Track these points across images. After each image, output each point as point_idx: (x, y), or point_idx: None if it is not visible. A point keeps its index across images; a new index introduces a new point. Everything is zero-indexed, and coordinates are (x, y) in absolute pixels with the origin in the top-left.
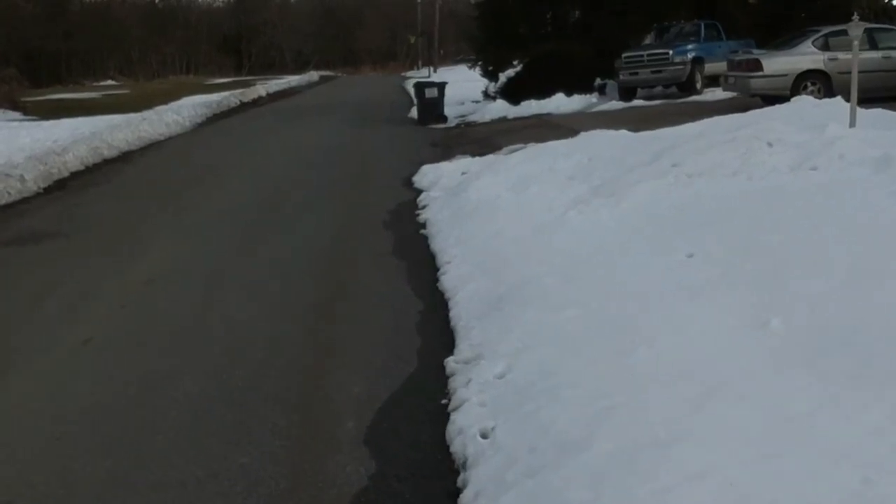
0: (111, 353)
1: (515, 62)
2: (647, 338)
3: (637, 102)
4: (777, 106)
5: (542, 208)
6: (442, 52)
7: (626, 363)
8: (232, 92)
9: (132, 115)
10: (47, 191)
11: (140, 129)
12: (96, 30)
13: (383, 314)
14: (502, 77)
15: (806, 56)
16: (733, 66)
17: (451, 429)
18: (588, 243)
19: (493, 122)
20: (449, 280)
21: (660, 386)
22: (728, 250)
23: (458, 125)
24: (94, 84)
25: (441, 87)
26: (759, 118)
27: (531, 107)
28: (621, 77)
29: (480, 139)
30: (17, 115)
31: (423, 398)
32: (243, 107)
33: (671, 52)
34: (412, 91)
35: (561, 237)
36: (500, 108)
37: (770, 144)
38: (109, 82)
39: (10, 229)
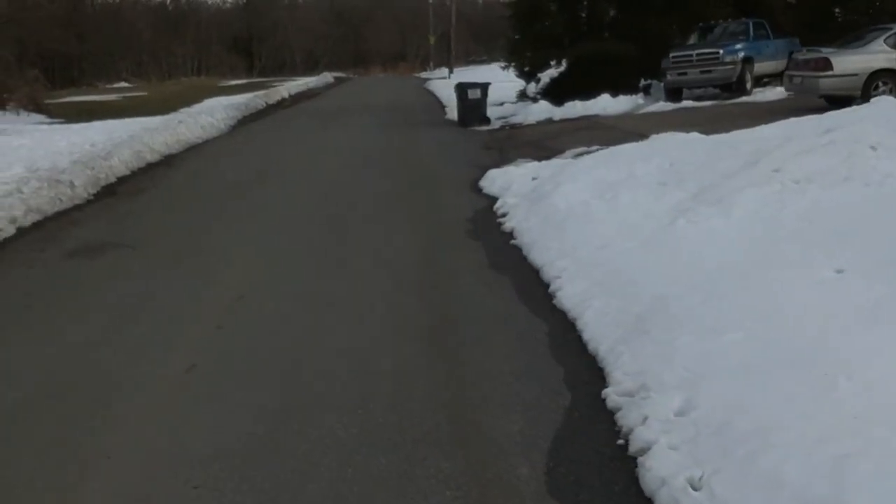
0: (222, 384)
1: (553, 62)
2: (840, 368)
3: (687, 103)
4: (858, 107)
5: (641, 217)
6: (452, 52)
7: (831, 399)
8: (255, 93)
9: (166, 118)
10: (97, 197)
11: (178, 132)
12: (108, 31)
13: (508, 337)
14: (544, 77)
15: (878, 55)
16: (798, 65)
17: (649, 477)
18: (713, 256)
19: (540, 124)
20: (567, 298)
21: (888, 428)
22: (879, 264)
23: (502, 127)
24: (108, 86)
25: (484, 87)
26: (842, 120)
27: (576, 108)
28: (668, 77)
29: (534, 142)
30: (41, 117)
31: (594, 437)
32: (270, 109)
33: (721, 51)
34: (438, 92)
35: (678, 249)
36: (544, 110)
37: (873, 148)
38: (122, 84)
39: (71, 239)
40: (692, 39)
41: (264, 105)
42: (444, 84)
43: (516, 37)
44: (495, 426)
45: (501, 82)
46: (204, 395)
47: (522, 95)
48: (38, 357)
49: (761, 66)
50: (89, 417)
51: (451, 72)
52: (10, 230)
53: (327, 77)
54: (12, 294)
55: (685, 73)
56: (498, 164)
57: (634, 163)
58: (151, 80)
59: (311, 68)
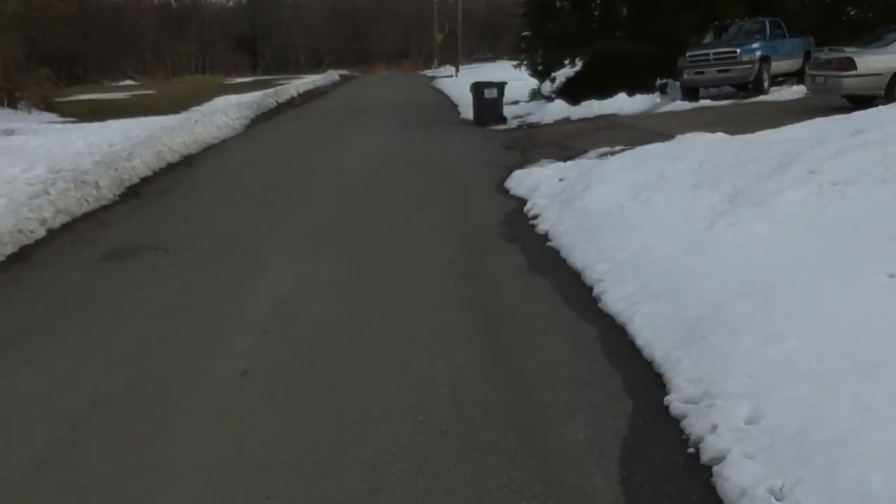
0: (278, 390)
1: (566, 61)
2: None
3: (704, 102)
4: (883, 107)
5: (679, 219)
6: (457, 50)
7: None
8: (264, 92)
9: (180, 117)
10: (123, 198)
11: (195, 131)
12: (113, 30)
13: (559, 342)
14: (560, 76)
15: None
16: (820, 64)
17: (728, 487)
18: (760, 260)
19: (558, 123)
20: (613, 302)
21: None
22: None
23: (519, 126)
24: (113, 84)
25: (501, 87)
26: (871, 121)
27: (592, 107)
28: (685, 76)
29: (555, 142)
30: (52, 116)
31: (663, 445)
32: (281, 107)
33: (739, 50)
34: (447, 91)
35: (723, 253)
36: (561, 109)
37: None
38: (128, 82)
39: (102, 241)
40: (708, 38)
41: (275, 104)
42: (451, 83)
43: (528, 35)
44: (560, 434)
45: (511, 81)
46: (261, 401)
47: (535, 94)
48: (88, 363)
49: (778, 65)
50: (150, 425)
51: (457, 70)
52: (41, 232)
53: (333, 75)
54: (51, 297)
55: (702, 73)
56: (521, 165)
57: (663, 164)
58: (156, 78)
59: (314, 66)
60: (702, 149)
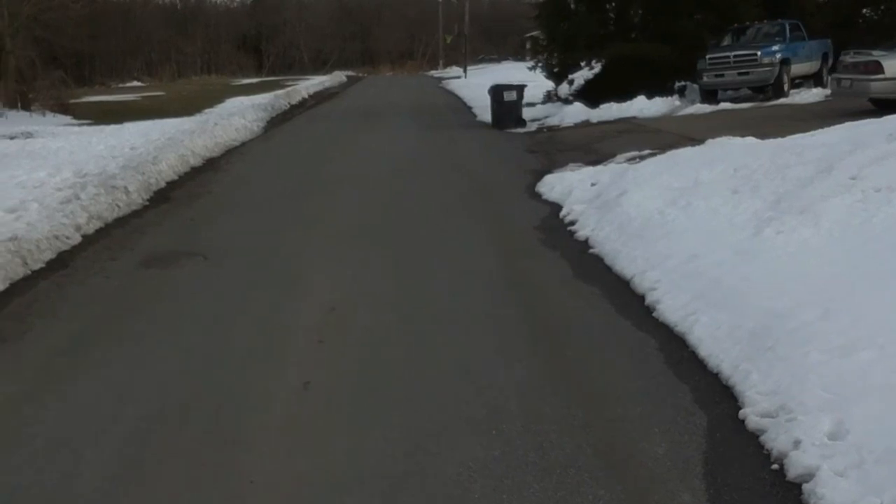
0: (343, 402)
1: (583, 63)
2: None
3: (724, 105)
4: None
5: (722, 226)
6: (464, 50)
7: None
8: (275, 93)
9: (197, 119)
10: (153, 203)
11: (215, 134)
12: (120, 31)
13: (620, 353)
14: (578, 79)
15: None
16: (847, 67)
17: None
18: (815, 268)
19: (578, 126)
20: (669, 311)
21: None
22: None
23: (539, 129)
24: (120, 85)
25: (520, 89)
26: None
27: (612, 110)
28: (705, 79)
29: (580, 145)
30: (66, 118)
31: (745, 461)
32: (294, 109)
33: (759, 52)
34: (458, 92)
35: (776, 261)
36: (580, 112)
37: None
38: (135, 83)
39: (139, 247)
40: (726, 41)
41: (288, 105)
42: (461, 84)
43: (543, 37)
44: (639, 449)
45: (524, 82)
46: (329, 413)
47: (550, 96)
48: (147, 375)
49: (797, 68)
50: (221, 439)
51: (465, 71)
52: (76, 238)
53: (340, 76)
54: (98, 306)
55: (722, 75)
56: (548, 169)
57: (697, 169)
58: (162, 79)
59: (319, 67)
60: (735, 153)
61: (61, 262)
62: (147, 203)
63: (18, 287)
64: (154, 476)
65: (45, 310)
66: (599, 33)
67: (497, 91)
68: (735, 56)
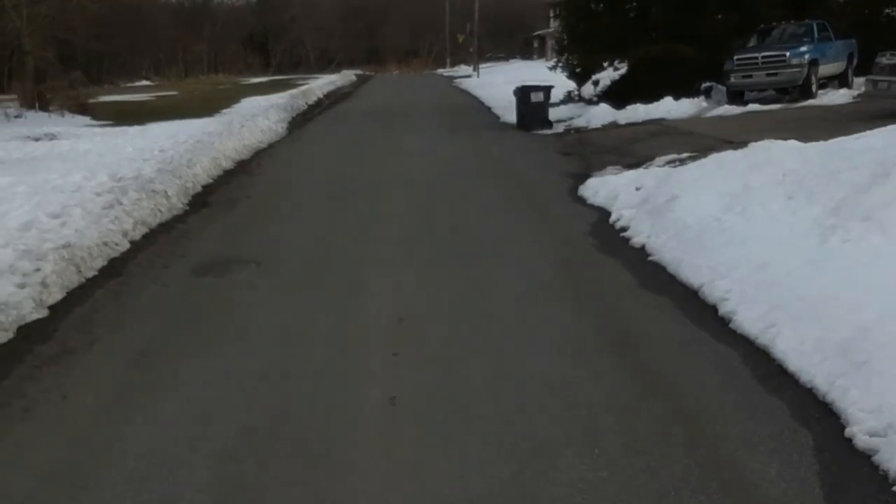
0: (434, 419)
1: (605, 63)
2: None
3: (753, 107)
4: None
5: (784, 233)
6: (471, 49)
7: None
8: (290, 93)
9: (221, 121)
10: (192, 207)
11: (242, 136)
12: (127, 30)
13: (705, 366)
14: (603, 80)
15: None
16: (883, 69)
17: None
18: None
19: (606, 128)
20: (747, 322)
21: None
22: None
23: (566, 130)
24: (129, 85)
25: (547, 90)
26: None
27: (638, 111)
28: (732, 80)
29: (613, 148)
30: (85, 119)
31: (862, 482)
32: (312, 110)
33: (788, 53)
34: (474, 92)
35: (850, 270)
36: (606, 113)
37: None
38: (144, 83)
39: (189, 254)
40: (752, 42)
41: (306, 105)
42: (475, 83)
43: (564, 37)
44: (750, 469)
45: (539, 82)
46: (421, 431)
47: (571, 97)
48: (226, 391)
49: (824, 69)
50: (316, 457)
51: (474, 69)
52: (125, 244)
53: (350, 75)
54: (158, 316)
55: (750, 76)
56: (585, 172)
57: (744, 173)
58: (171, 78)
59: (325, 66)
60: (780, 157)
61: (114, 269)
62: (187, 208)
63: (76, 296)
64: (257, 499)
65: (107, 320)
66: (621, 33)
67: (524, 92)
68: (763, 57)
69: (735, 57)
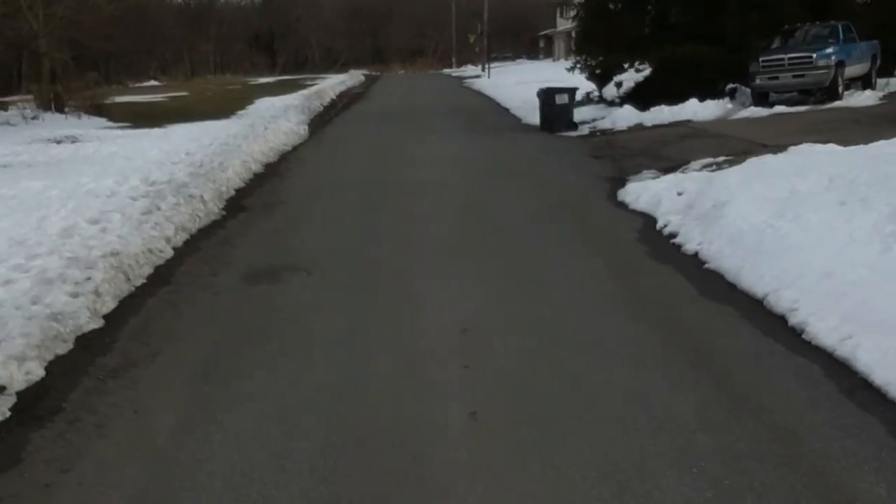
0: (520, 435)
1: (626, 65)
2: None
3: (779, 109)
4: None
5: (843, 241)
6: (478, 49)
7: None
8: (304, 94)
9: (242, 123)
10: (229, 212)
11: (267, 138)
12: (134, 30)
13: (788, 381)
14: (627, 81)
15: None
16: None
17: None
18: None
19: (633, 130)
20: (822, 334)
21: None
22: None
23: (592, 133)
24: (137, 85)
25: (572, 92)
26: None
27: (663, 113)
28: (758, 81)
29: (644, 151)
30: (102, 120)
31: None
32: (329, 111)
33: (815, 55)
34: (487, 92)
35: None
36: (631, 115)
37: None
38: (151, 83)
39: (235, 261)
40: (776, 43)
41: (321, 107)
42: (487, 84)
43: (584, 38)
44: (859, 490)
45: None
46: (511, 449)
47: (590, 98)
48: (301, 404)
49: (850, 70)
50: (409, 476)
51: (483, 69)
52: (169, 251)
53: (358, 76)
54: (216, 326)
55: (776, 78)
56: (620, 176)
57: (789, 178)
58: (178, 78)
59: (330, 65)
60: (823, 162)
61: (161, 277)
62: (224, 213)
63: (128, 305)
64: None
65: (164, 330)
66: (639, 34)
67: (548, 94)
68: (790, 58)
69: (760, 58)
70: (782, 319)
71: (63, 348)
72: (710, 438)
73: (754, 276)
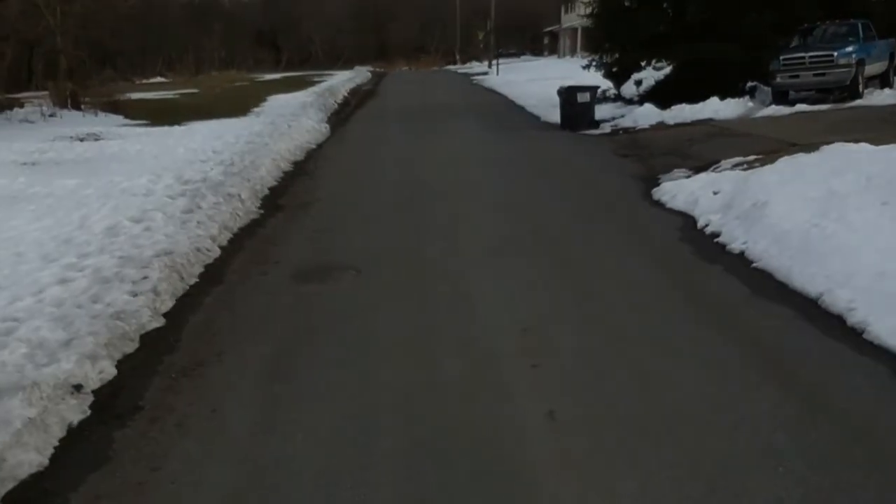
0: (600, 434)
1: (643, 63)
2: None
3: (801, 107)
4: None
5: (891, 241)
6: (482, 45)
7: None
8: (316, 91)
9: (261, 120)
10: (267, 211)
11: (292, 136)
12: (140, 26)
13: (856, 382)
14: (647, 79)
15: None
16: None
17: None
18: None
19: (655, 128)
20: (885, 334)
21: None
22: None
23: (614, 131)
24: (144, 82)
25: (593, 91)
26: None
27: (684, 112)
28: (778, 80)
29: (671, 149)
30: (119, 118)
31: None
32: (343, 109)
33: (836, 53)
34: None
35: None
36: (652, 113)
37: None
38: (158, 79)
39: (282, 261)
40: (795, 42)
41: (336, 105)
42: (498, 81)
43: (603, 37)
44: None
45: (564, 81)
46: (596, 448)
47: (606, 96)
48: (372, 402)
49: (869, 68)
50: (500, 475)
51: (490, 65)
52: (216, 250)
53: (364, 72)
54: (276, 325)
55: (797, 76)
56: (650, 175)
57: (826, 178)
58: (185, 75)
59: (333, 62)
60: (858, 161)
61: (213, 277)
62: (262, 211)
63: (186, 304)
64: None
65: (225, 329)
66: (655, 32)
67: (570, 92)
68: (811, 57)
69: (781, 57)
70: (840, 319)
71: (130, 347)
72: (789, 438)
73: (805, 276)
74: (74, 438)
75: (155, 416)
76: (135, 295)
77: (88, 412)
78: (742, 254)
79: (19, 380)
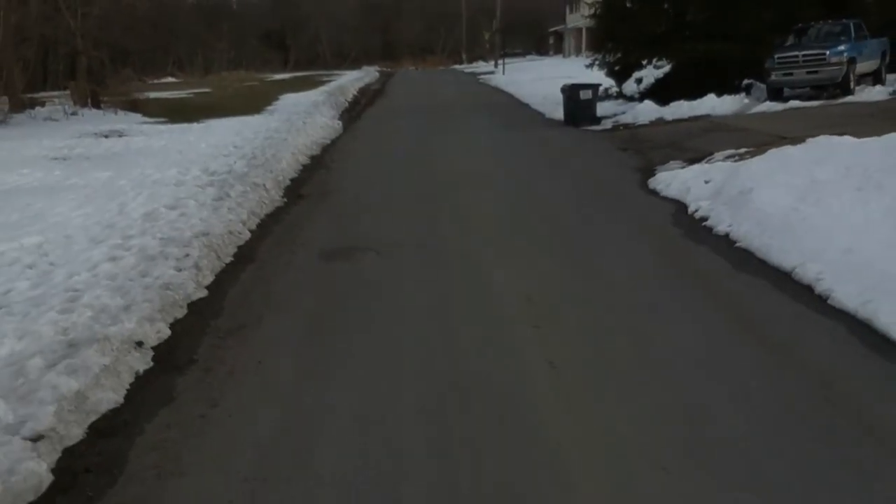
0: (599, 381)
1: (644, 62)
2: None
3: (794, 103)
4: None
5: (861, 221)
6: (488, 45)
7: None
8: (326, 90)
9: (276, 117)
10: (290, 199)
11: (308, 133)
12: (151, 26)
13: (822, 340)
14: (648, 77)
15: None
16: None
17: None
18: None
19: (655, 124)
20: (845, 298)
21: None
22: None
23: (615, 127)
24: (155, 82)
25: (595, 88)
26: None
27: (682, 108)
28: (773, 77)
29: (669, 143)
30: (138, 117)
31: None
32: (354, 107)
33: (828, 52)
34: (506, 89)
35: None
36: (651, 110)
37: None
38: (169, 79)
39: (309, 243)
40: (790, 40)
41: (346, 103)
42: (505, 81)
43: (604, 37)
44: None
45: (566, 79)
46: (590, 390)
47: (608, 94)
48: (403, 359)
49: (861, 66)
50: (512, 412)
51: (496, 65)
52: (246, 233)
53: (372, 72)
54: (309, 297)
55: (791, 74)
56: (648, 167)
57: (809, 168)
58: (195, 75)
59: (340, 62)
60: (840, 152)
61: (245, 256)
62: (285, 200)
63: (224, 279)
64: (476, 457)
65: (262, 299)
66: (656, 31)
67: (573, 90)
68: (804, 55)
69: (776, 55)
70: (809, 288)
71: (180, 313)
72: (761, 383)
73: (782, 253)
74: (142, 384)
75: (208, 366)
76: (179, 270)
77: (151, 363)
78: (727, 235)
79: (92, 335)
